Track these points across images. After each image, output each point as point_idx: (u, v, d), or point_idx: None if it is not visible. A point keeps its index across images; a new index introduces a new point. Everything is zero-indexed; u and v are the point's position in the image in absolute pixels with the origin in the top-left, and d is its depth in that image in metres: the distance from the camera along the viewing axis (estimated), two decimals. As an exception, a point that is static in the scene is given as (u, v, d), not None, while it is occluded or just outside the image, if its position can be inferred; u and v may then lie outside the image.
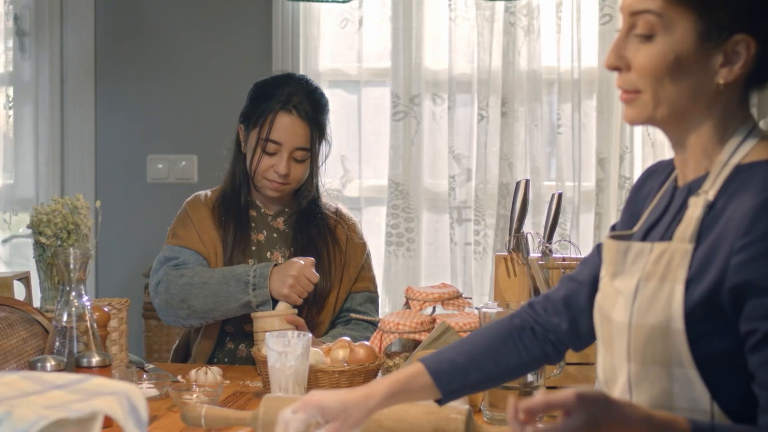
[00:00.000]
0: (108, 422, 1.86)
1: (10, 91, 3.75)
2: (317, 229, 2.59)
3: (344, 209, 2.71)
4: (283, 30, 3.79)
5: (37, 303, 2.38)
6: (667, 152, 3.55)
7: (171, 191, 3.84)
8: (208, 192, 2.67)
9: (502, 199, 3.63)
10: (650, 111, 1.38)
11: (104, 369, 1.89)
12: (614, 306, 1.42)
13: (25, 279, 2.43)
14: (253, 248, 2.57)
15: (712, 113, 1.37)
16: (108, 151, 3.95)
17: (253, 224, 2.60)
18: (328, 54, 3.84)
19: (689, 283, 1.32)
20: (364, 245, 2.65)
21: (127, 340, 2.41)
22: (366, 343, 2.17)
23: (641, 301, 1.36)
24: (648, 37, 1.36)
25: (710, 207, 1.34)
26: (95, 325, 2.00)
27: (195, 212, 2.59)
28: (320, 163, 2.61)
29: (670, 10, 1.34)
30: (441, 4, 3.69)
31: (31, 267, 2.46)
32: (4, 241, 3.67)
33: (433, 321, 2.24)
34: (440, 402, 1.58)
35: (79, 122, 3.91)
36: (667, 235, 1.40)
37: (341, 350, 2.14)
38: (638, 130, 3.58)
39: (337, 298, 2.57)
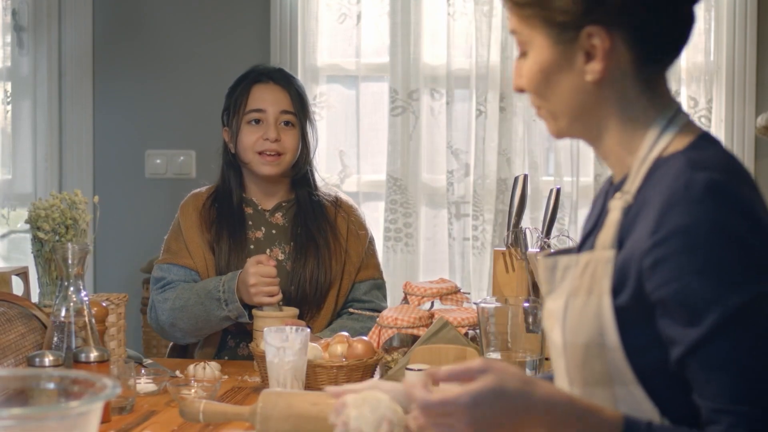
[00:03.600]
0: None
1: (8, 86, 3.74)
2: (316, 224, 2.58)
3: (343, 196, 2.70)
4: (281, 25, 3.79)
5: (35, 298, 2.38)
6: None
7: (169, 186, 3.84)
8: (204, 189, 2.66)
9: (500, 195, 3.63)
10: (554, 124, 1.35)
11: (102, 364, 1.89)
12: (552, 328, 1.34)
13: (23, 274, 2.43)
14: (251, 247, 2.56)
15: (608, 111, 1.30)
16: (106, 147, 3.95)
17: (249, 222, 2.59)
18: (327, 49, 3.84)
19: (615, 293, 1.23)
20: (365, 233, 2.64)
21: (125, 335, 2.41)
22: (364, 338, 2.17)
23: (571, 319, 1.28)
24: (523, 55, 1.35)
25: (630, 207, 1.26)
26: (93, 321, 1.99)
27: (185, 220, 2.59)
28: (309, 143, 2.61)
29: (523, 25, 1.32)
30: (439, -1, 3.69)
31: (29, 262, 2.45)
32: (3, 236, 3.67)
33: (432, 316, 2.25)
34: None
35: (77, 118, 3.90)
36: (592, 244, 1.33)
37: (339, 345, 2.14)
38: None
39: (339, 291, 2.57)
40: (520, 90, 1.37)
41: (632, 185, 1.28)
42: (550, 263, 1.35)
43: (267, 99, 2.54)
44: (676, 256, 1.16)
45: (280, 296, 2.41)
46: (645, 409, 1.22)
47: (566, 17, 1.27)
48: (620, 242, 1.25)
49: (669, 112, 1.30)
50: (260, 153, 2.53)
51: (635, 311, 1.22)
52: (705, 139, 1.28)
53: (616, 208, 1.28)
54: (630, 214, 1.25)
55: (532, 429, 1.19)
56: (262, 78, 2.57)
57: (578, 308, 1.27)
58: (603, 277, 1.25)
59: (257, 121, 2.53)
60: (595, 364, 1.25)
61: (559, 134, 1.36)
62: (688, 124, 1.30)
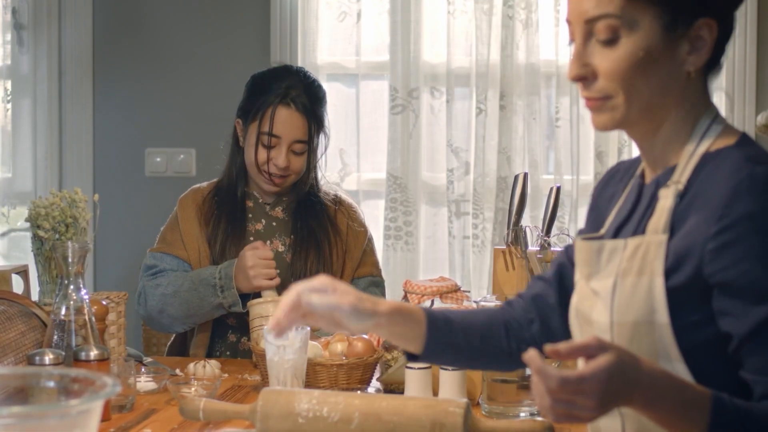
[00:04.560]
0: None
1: (8, 84, 3.74)
2: (317, 220, 2.59)
3: (343, 195, 2.72)
4: (281, 23, 3.78)
5: (35, 296, 2.38)
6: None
7: (169, 185, 3.84)
8: (205, 184, 2.68)
9: (500, 193, 3.63)
10: (623, 113, 1.36)
11: (103, 363, 1.89)
12: (593, 307, 1.40)
13: (23, 272, 2.43)
14: (251, 239, 2.56)
15: (681, 104, 1.38)
16: (106, 145, 3.95)
17: (250, 215, 2.60)
18: (327, 47, 3.84)
19: (668, 274, 1.30)
20: (365, 231, 2.66)
21: (125, 333, 2.41)
22: (364, 336, 2.18)
23: (620, 298, 1.34)
24: (611, 41, 1.34)
25: (681, 197, 1.34)
26: (93, 319, 2.00)
27: (183, 212, 2.61)
28: (319, 156, 2.62)
29: (629, 8, 1.32)
30: (439, -3, 3.69)
31: (30, 260, 2.45)
32: (3, 234, 3.67)
33: (432, 314, 2.24)
34: (417, 356, 1.53)
35: (77, 116, 3.90)
36: (639, 230, 1.39)
37: (339, 344, 2.14)
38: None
39: None
40: (581, 79, 1.36)
41: (682, 176, 1.35)
42: (596, 247, 1.41)
43: (286, 124, 2.51)
44: (744, 240, 1.25)
45: (278, 280, 2.42)
46: None
47: (691, 3, 1.32)
48: (672, 228, 1.33)
49: (712, 112, 1.39)
50: (267, 172, 2.53)
51: (688, 292, 1.29)
52: (748, 138, 1.38)
53: (667, 196, 1.35)
54: (682, 203, 1.33)
55: (631, 403, 1.23)
56: (286, 99, 2.51)
57: (628, 288, 1.33)
58: (655, 259, 1.32)
59: (271, 145, 2.52)
60: (642, 342, 1.31)
61: (620, 125, 1.38)
62: (728, 125, 1.39)
